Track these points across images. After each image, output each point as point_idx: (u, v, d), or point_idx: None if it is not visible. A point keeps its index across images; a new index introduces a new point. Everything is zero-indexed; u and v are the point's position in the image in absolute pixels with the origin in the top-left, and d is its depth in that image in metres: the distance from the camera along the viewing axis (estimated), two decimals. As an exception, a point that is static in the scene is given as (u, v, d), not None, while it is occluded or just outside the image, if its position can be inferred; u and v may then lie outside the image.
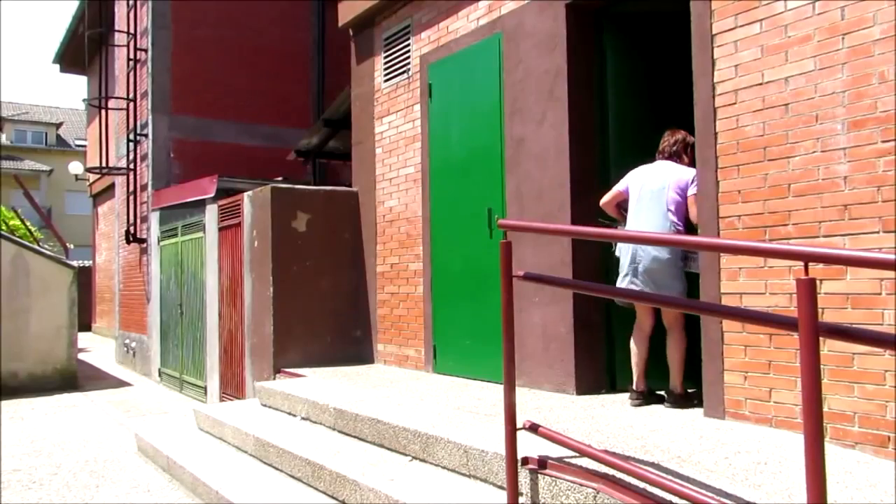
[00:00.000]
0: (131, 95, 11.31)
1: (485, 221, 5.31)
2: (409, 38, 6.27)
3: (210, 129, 11.05)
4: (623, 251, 4.25)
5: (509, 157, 5.12)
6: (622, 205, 4.38)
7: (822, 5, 3.28)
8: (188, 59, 10.93)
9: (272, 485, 4.06)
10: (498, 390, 3.69)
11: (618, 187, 4.36)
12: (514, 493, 2.94)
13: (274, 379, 6.31)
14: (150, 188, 10.76)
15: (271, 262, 6.50)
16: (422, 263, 6.03)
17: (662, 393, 4.18)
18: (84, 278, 13.36)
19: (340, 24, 7.18)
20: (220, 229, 7.87)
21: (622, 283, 4.21)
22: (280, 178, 9.28)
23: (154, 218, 10.50)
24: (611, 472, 2.72)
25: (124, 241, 11.88)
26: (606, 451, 2.85)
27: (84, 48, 13.09)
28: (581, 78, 4.76)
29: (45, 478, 4.98)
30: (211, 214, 8.15)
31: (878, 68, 3.07)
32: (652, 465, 2.81)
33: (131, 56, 11.24)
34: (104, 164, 12.33)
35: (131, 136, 11.34)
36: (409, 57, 6.25)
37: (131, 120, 11.30)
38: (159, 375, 10.16)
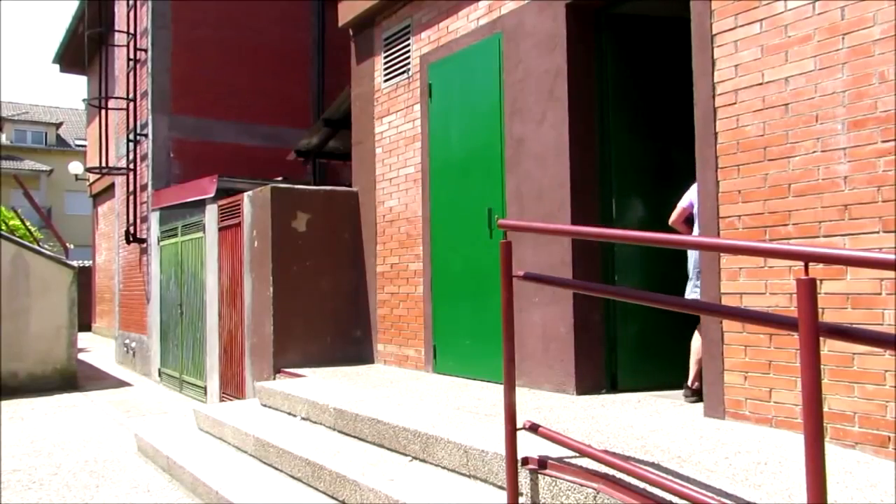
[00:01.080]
0: (131, 95, 11.31)
1: (485, 221, 5.31)
2: (409, 38, 6.27)
3: (210, 129, 11.05)
4: (688, 259, 4.32)
5: (509, 157, 5.12)
6: (688, 220, 4.40)
7: (822, 5, 3.28)
8: (188, 59, 10.93)
9: (272, 485, 4.06)
10: (498, 390, 3.69)
11: (681, 204, 4.38)
12: (514, 494, 2.93)
13: (274, 379, 6.30)
14: (150, 188, 10.76)
15: (271, 262, 6.50)
16: (422, 263, 6.02)
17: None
18: (84, 278, 13.36)
19: (340, 24, 7.18)
20: (220, 229, 7.87)
21: (689, 289, 4.26)
22: (280, 178, 9.28)
23: (154, 218, 10.50)
24: (611, 472, 2.72)
25: (124, 241, 11.88)
26: (606, 451, 2.85)
27: (84, 48, 13.09)
28: (581, 78, 4.75)
29: (45, 478, 4.98)
30: (211, 214, 8.15)
31: (878, 68, 3.07)
32: (652, 465, 2.81)
33: (131, 56, 11.24)
34: (104, 164, 12.33)
35: (131, 136, 11.34)
36: (409, 57, 6.25)
37: (131, 120, 11.30)
38: (159, 375, 10.16)
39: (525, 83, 5.01)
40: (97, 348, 15.07)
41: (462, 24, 5.64)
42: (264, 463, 4.45)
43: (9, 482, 4.89)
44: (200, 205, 8.48)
